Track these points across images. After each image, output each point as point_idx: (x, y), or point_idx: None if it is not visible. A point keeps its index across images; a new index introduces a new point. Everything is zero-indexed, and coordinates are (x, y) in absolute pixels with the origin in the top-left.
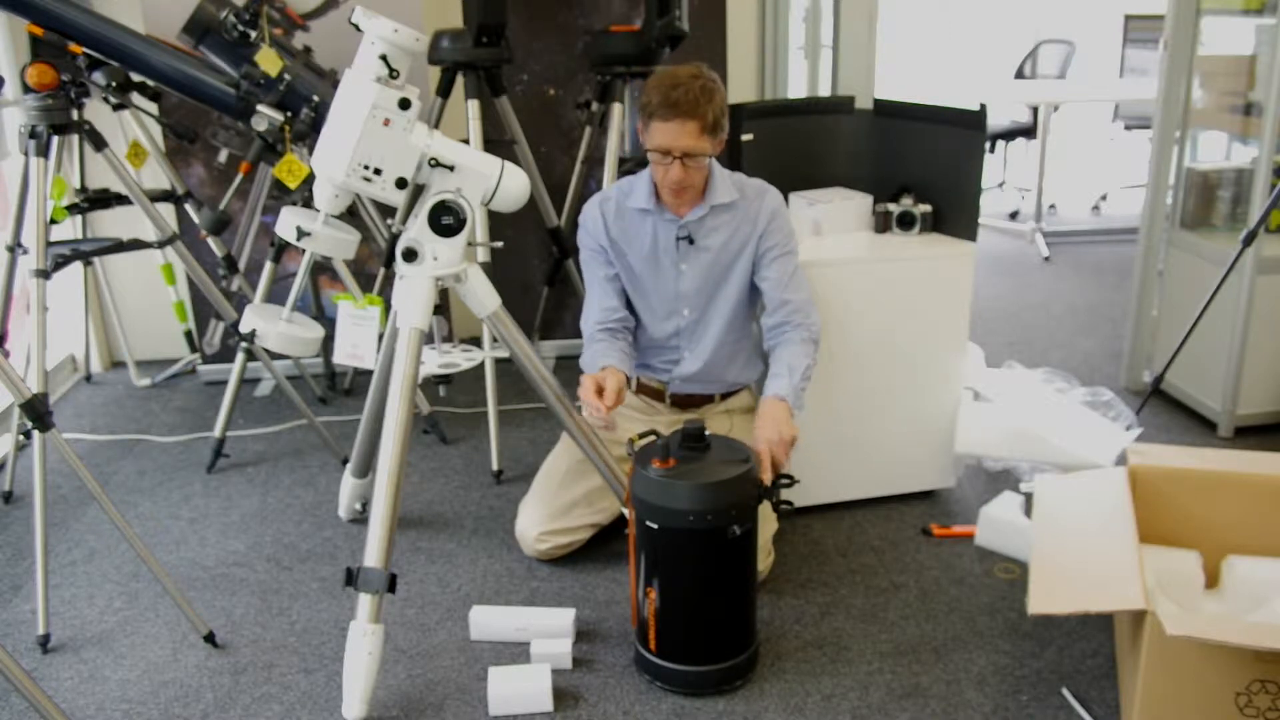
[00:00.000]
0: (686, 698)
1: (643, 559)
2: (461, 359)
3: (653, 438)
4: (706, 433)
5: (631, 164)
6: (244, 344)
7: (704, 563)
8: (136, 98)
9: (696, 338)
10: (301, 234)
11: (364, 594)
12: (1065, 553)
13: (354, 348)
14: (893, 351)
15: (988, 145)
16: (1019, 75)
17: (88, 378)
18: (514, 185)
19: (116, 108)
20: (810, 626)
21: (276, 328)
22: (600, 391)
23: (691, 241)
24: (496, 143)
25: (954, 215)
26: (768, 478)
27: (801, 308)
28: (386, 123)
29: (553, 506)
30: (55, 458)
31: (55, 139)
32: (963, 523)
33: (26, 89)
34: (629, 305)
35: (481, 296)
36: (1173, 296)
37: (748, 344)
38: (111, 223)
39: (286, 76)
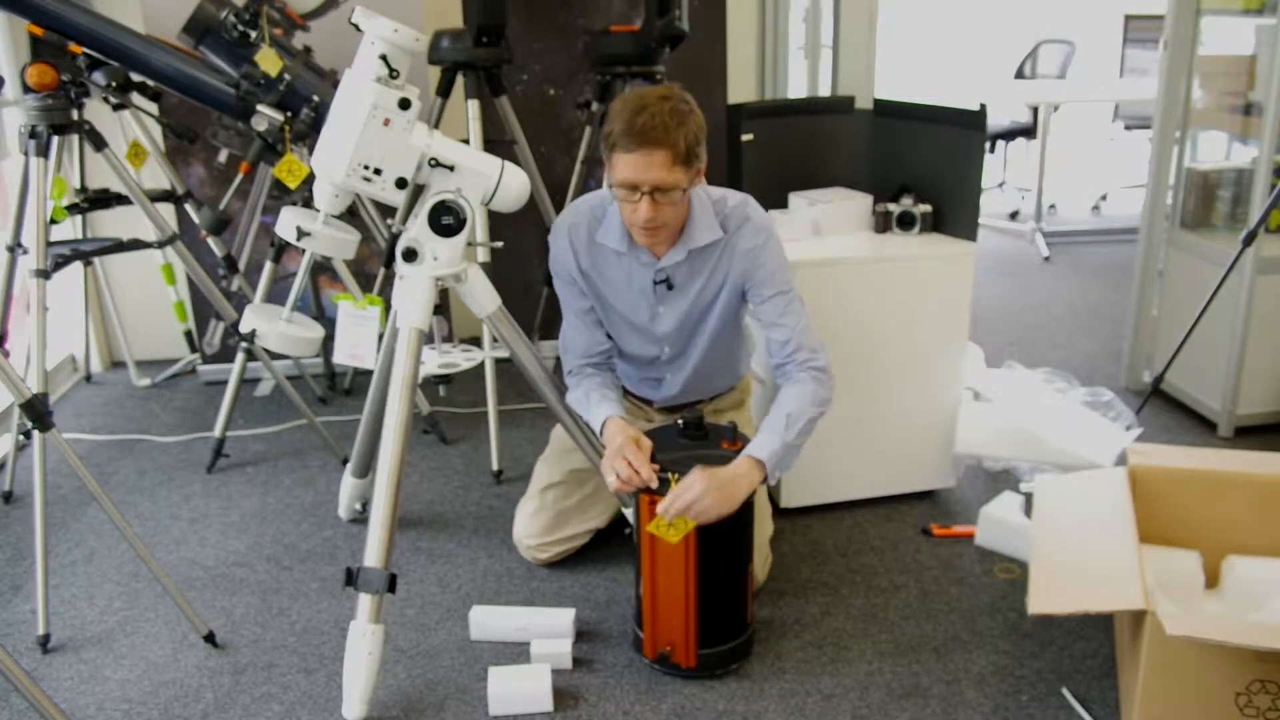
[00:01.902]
0: (687, 698)
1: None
2: (461, 359)
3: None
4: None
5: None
6: (244, 344)
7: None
8: (136, 98)
9: (676, 367)
10: (301, 234)
11: (364, 594)
12: (1065, 553)
13: (354, 348)
14: (893, 351)
15: (988, 145)
16: (1019, 75)
17: (88, 378)
18: (514, 185)
19: (116, 108)
20: (810, 626)
21: (276, 328)
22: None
23: (670, 287)
24: (496, 143)
25: (954, 215)
26: (665, 510)
27: (805, 344)
28: (386, 123)
29: (548, 517)
30: (55, 458)
31: (55, 139)
32: (963, 523)
33: (26, 89)
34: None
35: (481, 297)
36: (1173, 296)
37: (733, 353)
38: (111, 223)
39: (286, 76)
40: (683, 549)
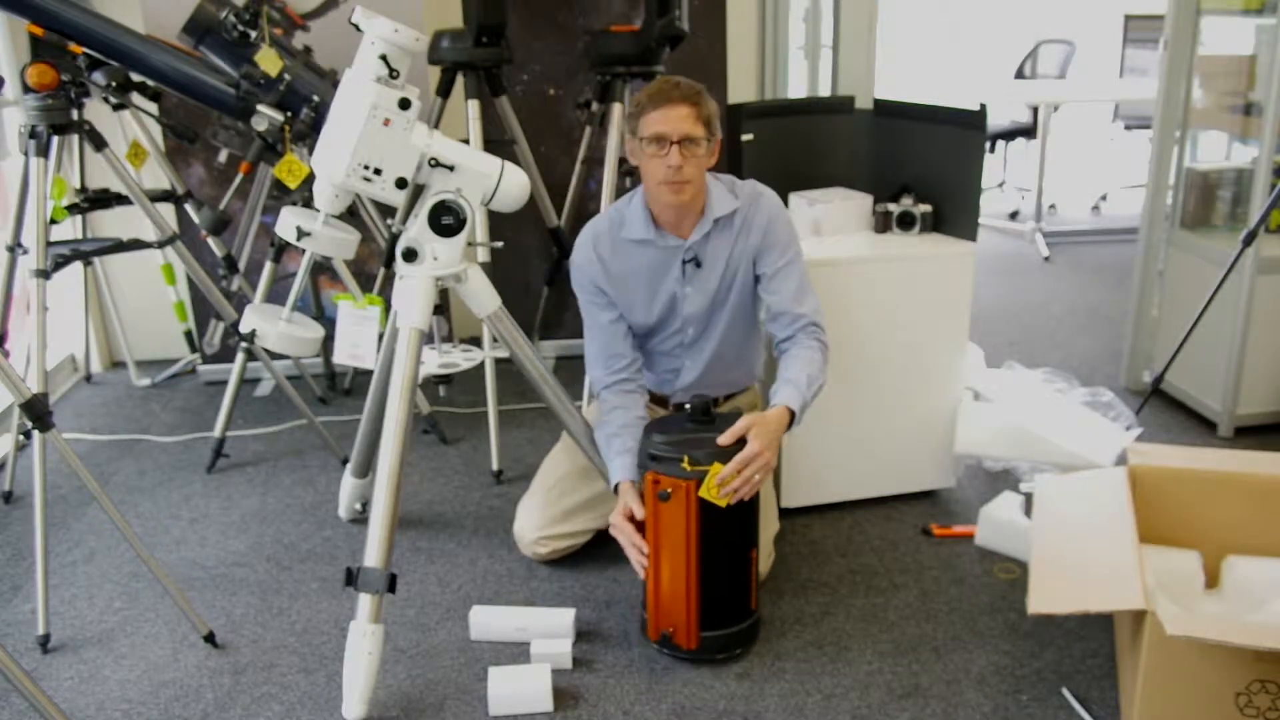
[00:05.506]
0: (687, 697)
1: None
2: (461, 359)
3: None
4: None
5: (632, 164)
6: (244, 344)
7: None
8: (136, 98)
9: (697, 350)
10: (301, 234)
11: (364, 594)
12: (1065, 553)
13: (354, 348)
14: (893, 351)
15: (988, 145)
16: (1019, 75)
17: (88, 378)
18: (514, 185)
19: (116, 108)
20: (810, 626)
21: (276, 328)
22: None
23: (699, 264)
24: (496, 143)
25: (954, 215)
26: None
27: (814, 320)
28: (386, 123)
29: (553, 511)
30: (55, 458)
31: (55, 139)
32: (963, 523)
33: (26, 89)
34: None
35: (481, 296)
36: (1173, 296)
37: (751, 344)
38: (111, 223)
39: (286, 76)
40: (684, 530)
